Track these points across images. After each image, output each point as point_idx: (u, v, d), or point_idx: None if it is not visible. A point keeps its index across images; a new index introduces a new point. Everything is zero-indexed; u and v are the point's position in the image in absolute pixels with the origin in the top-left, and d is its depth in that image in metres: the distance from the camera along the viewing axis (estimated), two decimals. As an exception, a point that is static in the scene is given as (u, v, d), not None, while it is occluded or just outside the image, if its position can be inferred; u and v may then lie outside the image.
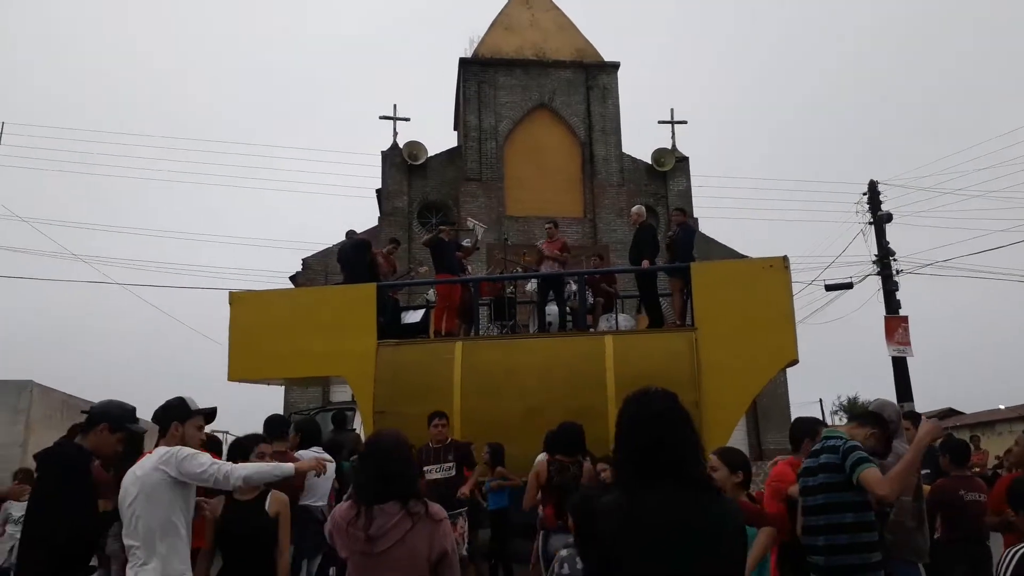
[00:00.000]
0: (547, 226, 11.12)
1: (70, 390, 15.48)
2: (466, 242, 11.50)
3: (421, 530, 2.68)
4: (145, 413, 4.02)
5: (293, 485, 4.92)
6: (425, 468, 6.86)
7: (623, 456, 2.17)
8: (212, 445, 6.28)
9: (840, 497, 3.44)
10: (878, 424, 3.88)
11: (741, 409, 8.60)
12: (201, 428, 3.78)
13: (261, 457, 4.67)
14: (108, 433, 3.73)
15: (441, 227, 10.72)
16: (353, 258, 10.23)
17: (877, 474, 3.35)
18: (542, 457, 6.37)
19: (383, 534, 2.64)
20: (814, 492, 3.57)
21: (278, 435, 5.60)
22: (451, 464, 6.92)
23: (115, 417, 3.78)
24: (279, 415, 5.82)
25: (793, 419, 5.18)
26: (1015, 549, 2.73)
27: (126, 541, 3.38)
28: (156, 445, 3.59)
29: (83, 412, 3.97)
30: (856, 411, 35.45)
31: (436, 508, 2.81)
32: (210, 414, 3.82)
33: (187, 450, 3.46)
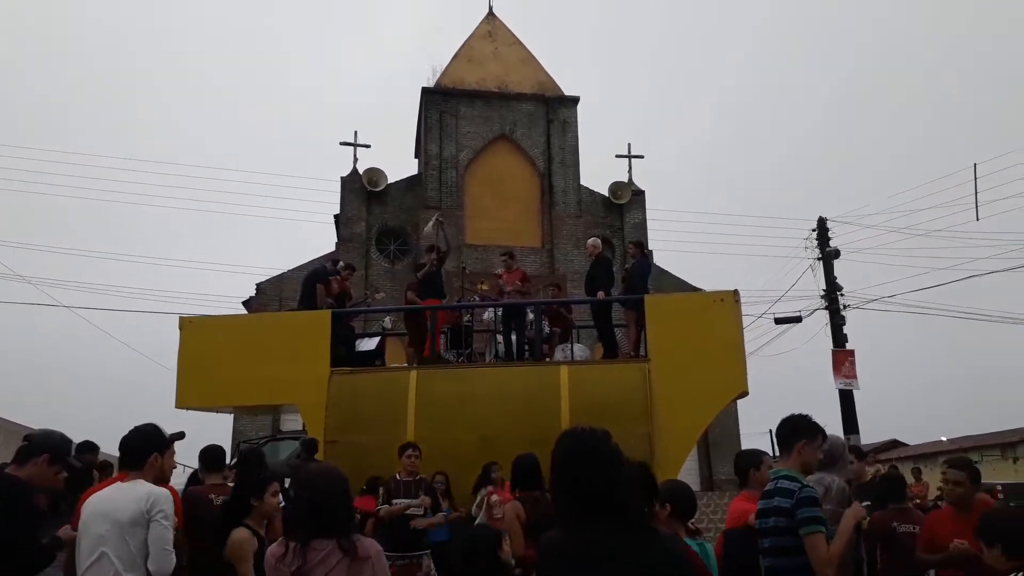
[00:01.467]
0: (502, 257, 11.09)
1: (7, 415, 14.92)
2: (432, 252, 11.15)
3: (350, 567, 2.63)
4: (84, 437, 3.92)
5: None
6: (394, 501, 6.74)
7: (556, 495, 2.17)
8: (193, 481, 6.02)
9: (789, 541, 3.28)
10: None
11: (692, 440, 8.72)
12: (174, 455, 3.71)
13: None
14: (46, 465, 3.60)
15: (430, 255, 10.60)
16: (302, 287, 10.24)
17: (822, 547, 3.19)
18: (496, 497, 6.33)
19: (311, 570, 2.60)
20: (767, 534, 3.41)
21: (213, 467, 5.31)
22: (422, 500, 6.82)
23: (56, 448, 3.66)
24: (215, 445, 5.44)
25: (736, 454, 5.11)
26: None
27: (87, 571, 3.27)
28: (124, 475, 3.46)
29: (25, 439, 3.84)
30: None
31: (367, 544, 2.76)
32: (178, 439, 3.75)
33: (168, 517, 3.34)
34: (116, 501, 3.33)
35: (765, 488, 3.55)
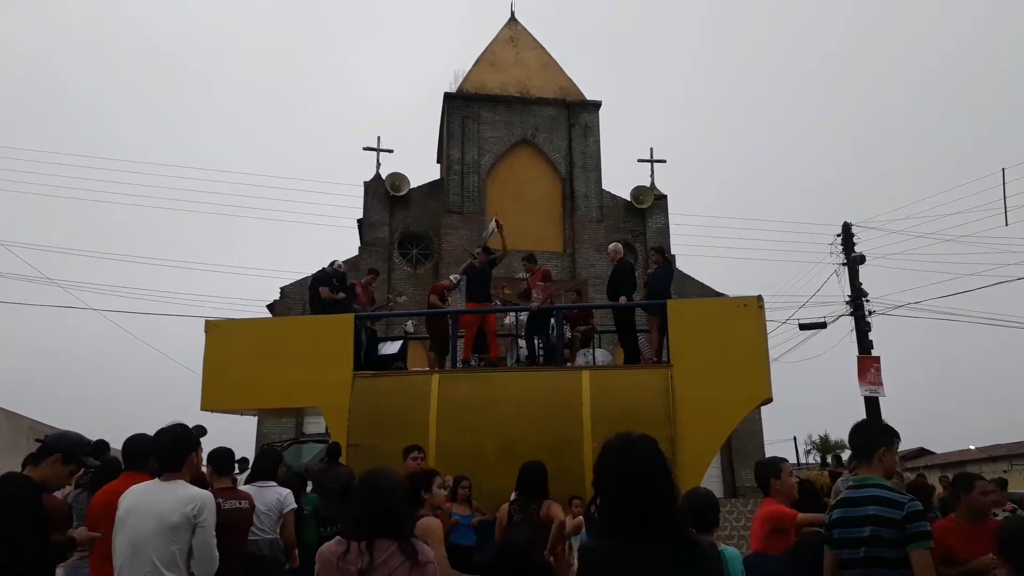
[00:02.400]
0: (524, 262, 11.08)
1: (37, 416, 15.19)
2: (494, 254, 11.21)
3: (412, 569, 2.68)
4: (114, 439, 3.99)
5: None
6: None
7: (604, 503, 2.15)
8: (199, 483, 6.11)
9: (889, 554, 3.15)
10: None
11: (715, 446, 8.65)
12: (75, 475, 3.85)
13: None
14: (60, 465, 3.66)
15: (475, 253, 10.68)
16: (309, 295, 10.62)
17: (930, 565, 3.08)
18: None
19: (376, 569, 2.64)
20: (859, 544, 3.23)
21: (223, 470, 5.20)
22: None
23: (69, 449, 3.71)
24: (225, 447, 5.32)
25: (755, 463, 5.03)
26: None
27: (123, 567, 3.32)
28: (166, 475, 3.52)
29: (37, 441, 3.89)
30: (829, 449, 35.56)
31: (426, 548, 2.81)
32: (203, 435, 3.82)
33: (212, 518, 3.45)
34: (163, 501, 3.39)
35: (845, 495, 3.41)
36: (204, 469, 5.11)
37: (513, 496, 6.62)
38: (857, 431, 3.56)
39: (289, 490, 5.65)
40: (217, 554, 3.49)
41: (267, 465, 5.83)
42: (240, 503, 4.91)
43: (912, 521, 3.13)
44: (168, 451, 3.58)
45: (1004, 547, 3.10)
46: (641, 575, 1.99)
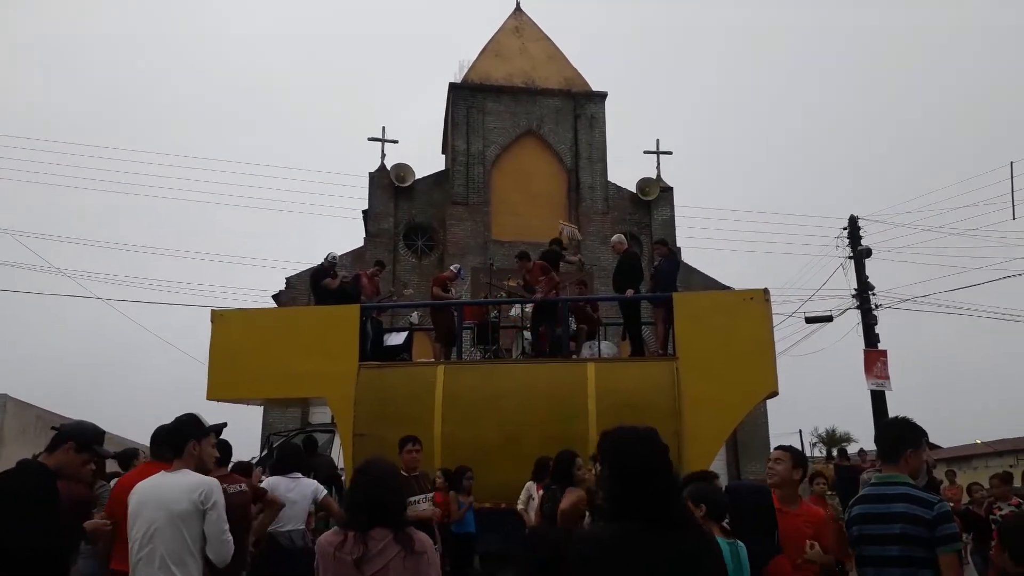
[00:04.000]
0: (516, 260, 11.04)
1: (46, 405, 15.27)
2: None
3: (408, 558, 2.70)
4: (120, 429, 4.00)
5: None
6: (410, 499, 6.76)
7: (607, 489, 2.19)
8: (241, 468, 6.18)
9: (920, 553, 3.13)
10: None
11: (721, 439, 8.65)
12: (214, 446, 3.75)
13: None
14: (74, 453, 3.67)
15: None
16: (311, 291, 10.83)
17: (958, 569, 3.10)
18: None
19: (371, 559, 2.66)
20: (892, 542, 3.20)
21: (222, 461, 5.17)
22: (429, 495, 6.85)
23: (83, 437, 3.72)
24: (222, 439, 5.49)
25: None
26: None
27: (139, 562, 3.34)
28: (150, 465, 3.54)
29: (53, 429, 3.91)
30: (835, 443, 35.54)
31: (422, 537, 2.83)
32: (220, 430, 3.80)
33: (221, 506, 3.44)
34: (169, 490, 3.39)
35: (868, 492, 3.41)
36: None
37: (529, 484, 6.62)
38: (884, 432, 3.53)
39: (315, 482, 5.72)
40: (231, 538, 3.49)
41: (292, 457, 5.92)
42: (240, 487, 5.00)
43: (943, 522, 3.10)
44: (168, 438, 3.60)
45: (1006, 540, 3.10)
46: (652, 561, 2.02)
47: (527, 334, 10.27)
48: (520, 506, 7.31)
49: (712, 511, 3.48)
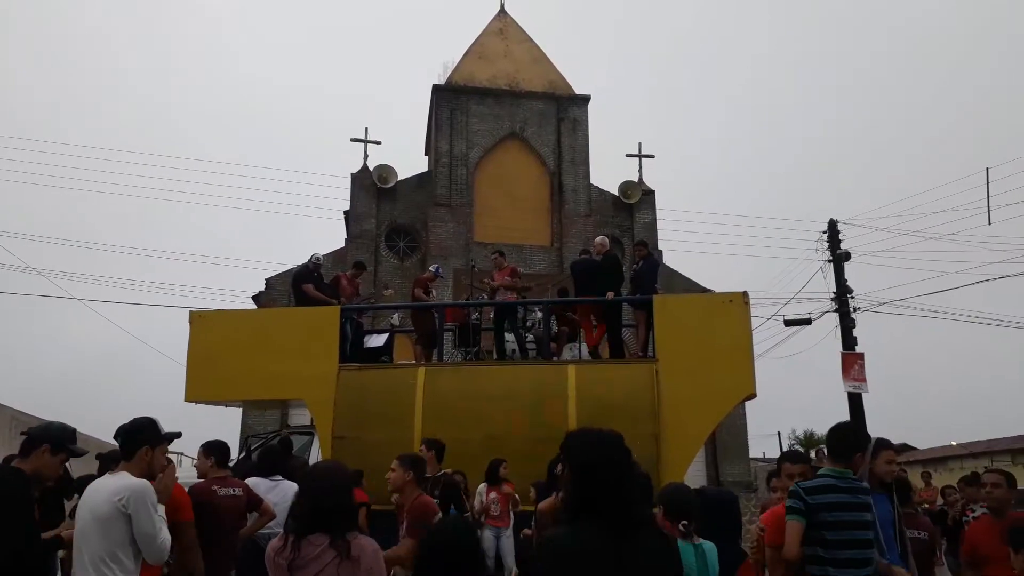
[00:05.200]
0: (493, 256, 11.05)
1: (20, 407, 15.02)
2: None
3: (343, 564, 2.67)
4: (98, 431, 3.95)
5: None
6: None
7: (566, 492, 2.20)
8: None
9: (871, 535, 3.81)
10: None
11: (699, 441, 8.70)
12: (165, 453, 3.70)
13: None
14: (50, 455, 3.64)
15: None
16: (293, 292, 10.63)
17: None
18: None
19: (303, 564, 2.65)
20: (859, 528, 3.78)
21: (222, 461, 5.32)
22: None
23: (56, 438, 3.68)
24: (221, 440, 5.43)
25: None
26: None
27: (75, 562, 3.31)
28: (116, 467, 3.50)
29: (22, 434, 3.86)
30: (813, 444, 35.89)
31: (365, 541, 2.80)
32: (172, 439, 3.75)
33: (147, 504, 3.32)
34: (96, 494, 3.35)
35: (840, 484, 3.78)
36: (195, 461, 5.18)
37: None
38: (838, 433, 4.04)
39: (296, 485, 5.68)
40: (165, 537, 3.40)
41: (273, 461, 5.91)
42: (234, 491, 5.04)
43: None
44: (121, 440, 3.55)
45: (1015, 538, 3.17)
46: (603, 561, 2.03)
47: (509, 336, 10.27)
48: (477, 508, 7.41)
49: (669, 511, 3.50)
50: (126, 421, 3.66)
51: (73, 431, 3.83)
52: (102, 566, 3.22)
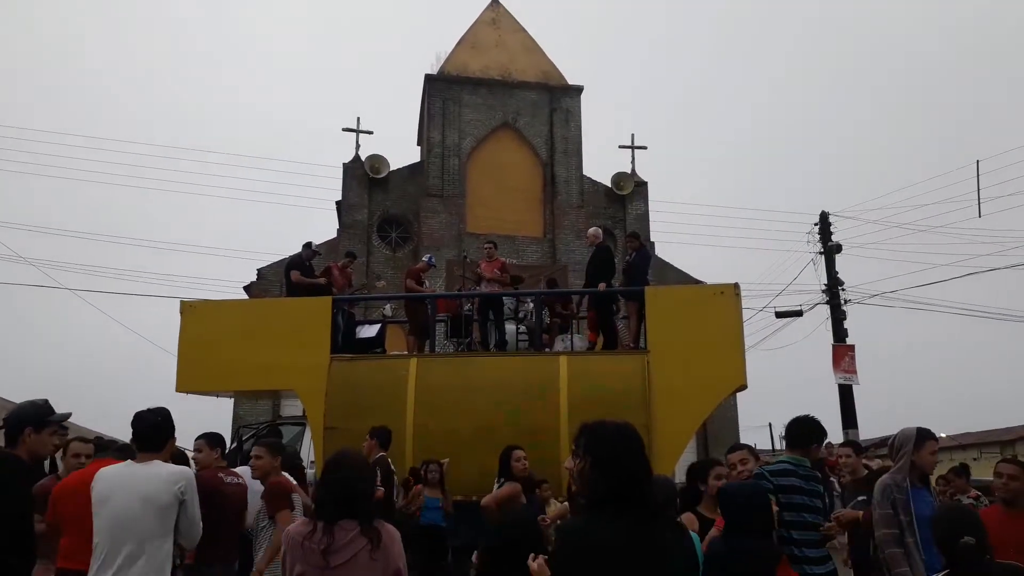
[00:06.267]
0: (486, 246, 10.98)
1: (9, 396, 14.97)
2: None
3: (375, 551, 2.74)
4: (92, 423, 3.91)
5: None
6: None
7: (587, 484, 2.23)
8: (179, 459, 6.12)
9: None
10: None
11: (690, 432, 8.74)
12: (54, 435, 3.70)
13: None
14: (35, 434, 3.60)
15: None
16: (285, 280, 10.53)
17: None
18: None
19: (338, 550, 2.70)
20: (809, 511, 4.14)
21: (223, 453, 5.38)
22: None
23: (33, 416, 3.64)
24: (216, 432, 5.41)
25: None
26: None
27: (104, 547, 3.34)
28: (141, 456, 3.54)
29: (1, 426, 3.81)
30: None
31: (390, 530, 2.87)
32: (64, 419, 3.73)
33: (195, 492, 3.56)
34: (148, 482, 3.46)
35: (801, 471, 4.15)
36: (196, 453, 5.20)
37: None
38: (798, 424, 4.34)
39: (288, 475, 5.68)
40: (201, 522, 3.61)
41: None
42: (238, 480, 5.13)
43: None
44: (152, 432, 3.61)
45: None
46: (631, 552, 2.07)
47: (508, 326, 10.24)
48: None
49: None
50: (144, 409, 3.68)
51: (45, 402, 3.76)
52: (153, 548, 3.37)
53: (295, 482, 5.16)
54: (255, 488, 5.36)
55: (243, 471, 5.51)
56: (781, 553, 3.50)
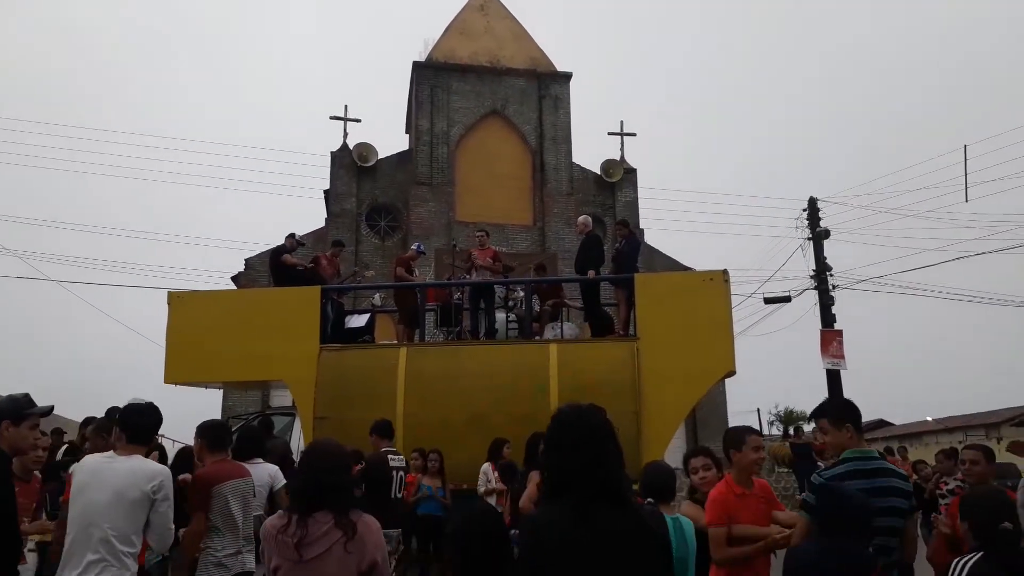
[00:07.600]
0: (479, 234, 10.96)
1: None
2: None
3: (350, 542, 2.69)
4: (77, 415, 3.86)
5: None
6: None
7: (548, 469, 2.17)
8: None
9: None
10: None
11: (680, 418, 8.78)
12: (35, 428, 3.55)
13: None
14: (13, 428, 3.51)
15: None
16: (270, 271, 10.56)
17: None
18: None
19: (312, 542, 2.66)
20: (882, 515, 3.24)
21: (219, 445, 4.83)
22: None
23: (10, 410, 3.56)
24: (218, 420, 5.24)
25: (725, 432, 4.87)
26: (964, 559, 2.75)
27: (72, 538, 3.29)
28: (122, 448, 3.47)
29: None
30: (791, 421, 36.38)
31: (368, 519, 2.82)
32: (46, 413, 3.63)
33: (171, 494, 3.43)
34: (120, 476, 3.38)
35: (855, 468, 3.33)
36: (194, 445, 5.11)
37: (485, 466, 6.71)
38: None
39: (277, 467, 5.63)
40: (173, 527, 3.49)
41: (252, 442, 5.71)
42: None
43: None
44: (143, 425, 3.55)
45: (967, 512, 3.08)
46: (594, 540, 2.00)
47: (500, 314, 10.24)
48: (481, 489, 7.39)
49: (648, 490, 3.52)
50: (138, 402, 3.64)
51: (25, 395, 3.69)
52: (119, 545, 3.26)
53: (246, 467, 4.70)
54: (261, 479, 5.31)
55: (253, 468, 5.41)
56: (877, 562, 3.00)
